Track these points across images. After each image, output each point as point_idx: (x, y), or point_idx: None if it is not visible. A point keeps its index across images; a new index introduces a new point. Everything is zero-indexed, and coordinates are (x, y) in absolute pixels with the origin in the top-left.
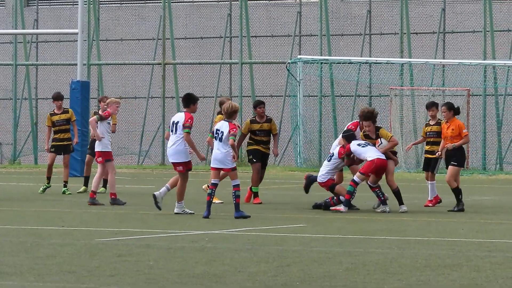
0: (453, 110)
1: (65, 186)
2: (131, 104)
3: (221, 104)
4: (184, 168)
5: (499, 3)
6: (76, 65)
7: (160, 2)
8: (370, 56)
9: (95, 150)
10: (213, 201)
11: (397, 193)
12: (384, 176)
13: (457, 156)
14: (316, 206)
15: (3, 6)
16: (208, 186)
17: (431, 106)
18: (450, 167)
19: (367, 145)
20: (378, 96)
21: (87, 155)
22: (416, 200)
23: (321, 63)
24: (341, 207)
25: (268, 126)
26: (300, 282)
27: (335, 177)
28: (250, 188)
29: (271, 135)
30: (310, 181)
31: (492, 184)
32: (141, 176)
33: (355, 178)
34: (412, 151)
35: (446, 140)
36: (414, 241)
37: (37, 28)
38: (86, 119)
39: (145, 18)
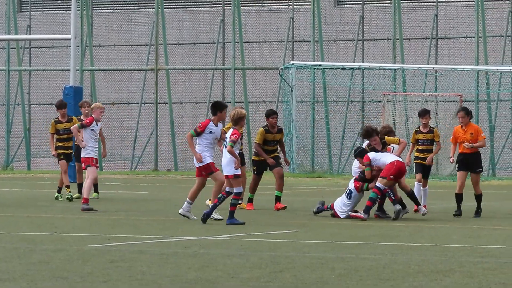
0: (470, 115)
1: (58, 192)
2: (124, 110)
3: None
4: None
5: (492, 9)
6: (69, 70)
7: (153, 8)
8: (363, 62)
9: (81, 156)
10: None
11: (412, 195)
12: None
13: (478, 163)
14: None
15: None
16: (210, 200)
17: (425, 113)
18: (474, 174)
19: (383, 152)
20: (370, 101)
21: (76, 163)
22: (408, 206)
23: (314, 68)
24: (362, 214)
25: (279, 137)
26: None
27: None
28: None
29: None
30: (320, 210)
31: (485, 190)
32: (134, 182)
33: (378, 184)
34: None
35: (461, 144)
36: (406, 247)
37: (30, 34)
38: None
39: (138, 23)
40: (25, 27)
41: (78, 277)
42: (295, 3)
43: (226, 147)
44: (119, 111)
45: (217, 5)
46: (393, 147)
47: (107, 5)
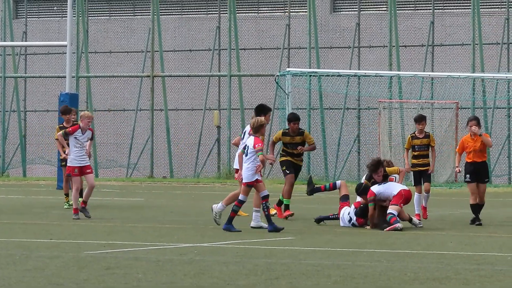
0: (479, 124)
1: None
2: (119, 117)
3: None
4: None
5: (488, 16)
6: (65, 77)
7: (149, 15)
8: (359, 69)
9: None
10: (238, 214)
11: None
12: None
13: (486, 173)
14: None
15: None
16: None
17: (421, 119)
18: (482, 184)
19: (386, 183)
20: (366, 109)
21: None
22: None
23: (310, 75)
24: (397, 224)
25: (300, 139)
26: None
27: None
28: (277, 203)
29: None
30: (322, 218)
31: None
32: (130, 188)
33: (392, 211)
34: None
35: (471, 153)
36: (403, 254)
37: (25, 40)
38: None
39: (134, 30)
40: (21, 34)
41: (73, 284)
42: (291, 10)
43: (246, 155)
44: (114, 117)
45: (213, 12)
46: (395, 177)
47: (103, 12)
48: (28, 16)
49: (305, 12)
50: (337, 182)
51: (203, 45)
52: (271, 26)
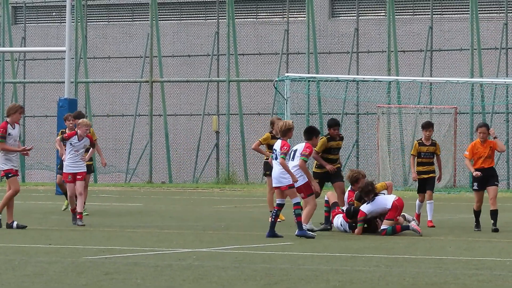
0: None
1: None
2: (118, 122)
3: (272, 123)
4: (303, 193)
5: (486, 21)
6: (64, 83)
7: (147, 20)
8: (358, 74)
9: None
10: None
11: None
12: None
13: (495, 177)
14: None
15: None
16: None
17: (428, 126)
18: (494, 187)
19: (374, 198)
20: (365, 114)
21: (58, 176)
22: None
23: (309, 81)
24: (418, 228)
25: (340, 144)
26: None
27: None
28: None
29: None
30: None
31: None
32: (129, 194)
33: (385, 227)
34: (400, 168)
35: (480, 159)
36: (401, 259)
37: (24, 46)
38: None
39: (133, 36)
40: (20, 39)
41: None
42: (289, 16)
43: (275, 159)
44: (113, 123)
45: (211, 18)
46: (384, 193)
47: (101, 17)
48: (27, 22)
49: (304, 17)
50: (325, 197)
51: (201, 50)
52: (270, 32)
